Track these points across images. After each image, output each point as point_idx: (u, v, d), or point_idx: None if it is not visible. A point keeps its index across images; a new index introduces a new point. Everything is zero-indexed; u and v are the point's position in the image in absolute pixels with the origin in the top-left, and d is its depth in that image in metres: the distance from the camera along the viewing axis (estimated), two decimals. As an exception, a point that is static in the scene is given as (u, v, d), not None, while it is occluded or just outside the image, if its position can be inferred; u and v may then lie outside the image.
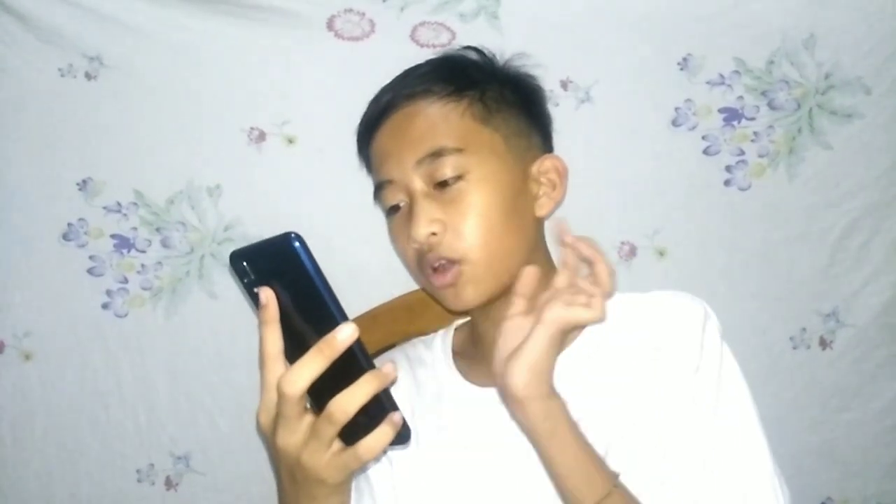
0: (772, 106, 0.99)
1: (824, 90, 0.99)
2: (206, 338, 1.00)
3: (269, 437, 0.54)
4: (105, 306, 1.01)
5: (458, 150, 0.69)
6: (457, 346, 0.79)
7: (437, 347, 0.79)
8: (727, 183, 1.00)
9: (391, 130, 0.74)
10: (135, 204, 1.01)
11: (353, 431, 0.52)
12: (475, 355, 0.76)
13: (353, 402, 0.50)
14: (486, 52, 0.79)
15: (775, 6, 0.97)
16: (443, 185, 0.69)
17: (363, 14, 0.98)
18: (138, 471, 1.02)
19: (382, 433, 0.51)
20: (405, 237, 0.71)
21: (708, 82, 0.98)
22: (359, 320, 0.95)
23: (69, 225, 1.01)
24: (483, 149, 0.71)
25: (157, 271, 1.01)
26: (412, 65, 0.97)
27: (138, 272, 1.01)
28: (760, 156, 0.99)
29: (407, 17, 0.98)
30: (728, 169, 0.99)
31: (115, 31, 0.97)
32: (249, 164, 0.99)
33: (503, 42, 0.95)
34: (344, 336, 0.49)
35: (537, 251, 0.74)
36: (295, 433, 0.52)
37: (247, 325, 1.00)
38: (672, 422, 0.64)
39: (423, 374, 0.76)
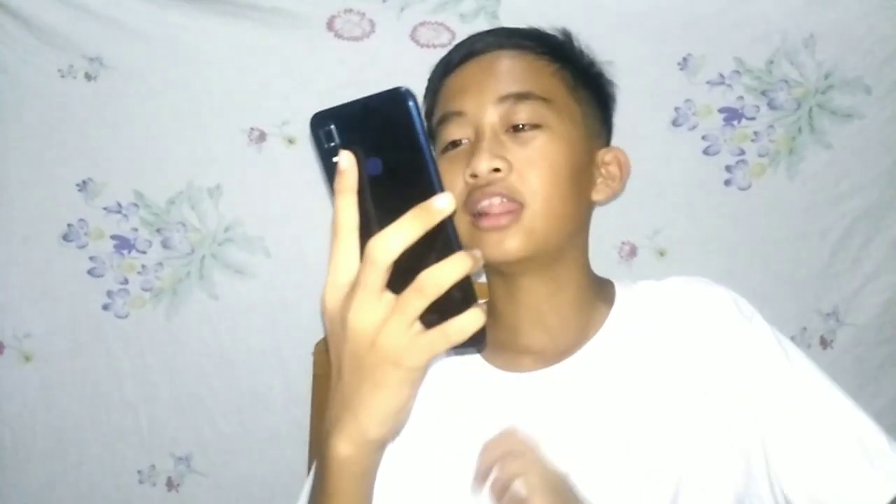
0: (772, 105, 0.99)
1: (824, 90, 0.99)
2: (207, 338, 1.00)
3: (335, 321, 0.47)
4: (105, 307, 1.01)
5: (544, 100, 0.67)
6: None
7: None
8: (727, 183, 1.00)
9: (477, 67, 0.71)
10: (135, 205, 1.01)
11: (432, 318, 0.46)
12: (495, 340, 0.72)
13: (449, 276, 0.44)
14: (577, 40, 0.78)
15: (775, 6, 0.97)
16: (518, 129, 0.67)
17: (363, 14, 0.98)
18: (139, 472, 1.02)
19: (474, 316, 0.45)
20: (458, 172, 0.66)
21: (708, 82, 0.98)
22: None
23: (69, 226, 1.01)
24: (565, 110, 0.69)
25: (157, 272, 1.01)
26: (412, 65, 0.97)
27: (139, 273, 1.01)
28: (760, 155, 0.99)
29: (407, 17, 0.98)
30: (728, 169, 0.99)
31: (115, 32, 0.97)
32: (250, 165, 0.99)
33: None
34: (443, 203, 0.44)
35: (582, 236, 0.73)
36: (374, 309, 0.45)
37: (248, 325, 1.00)
38: (766, 418, 0.62)
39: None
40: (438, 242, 0.46)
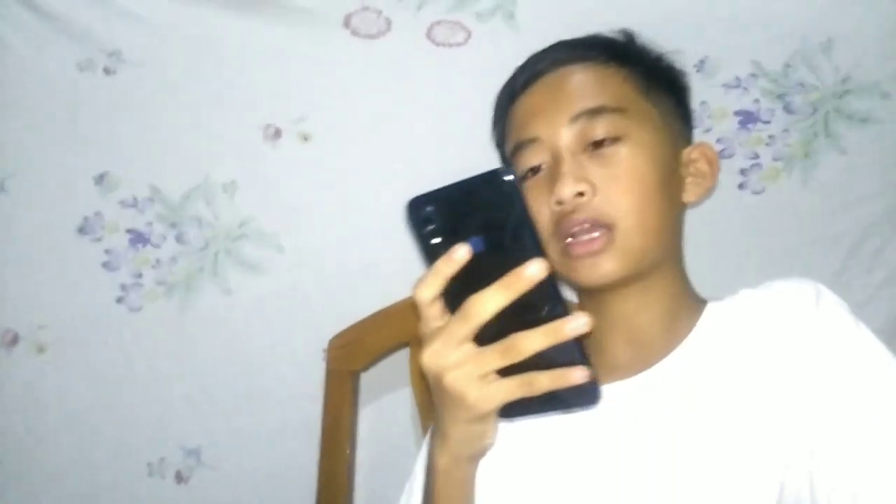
0: (788, 110, 0.99)
1: (841, 94, 0.99)
2: (220, 333, 1.01)
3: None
4: (119, 300, 1.02)
5: (618, 111, 0.65)
6: None
7: None
8: (741, 186, 0.99)
9: (543, 89, 0.69)
10: (150, 199, 1.01)
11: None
12: None
13: (534, 343, 0.49)
14: (639, 38, 0.76)
15: (793, 9, 0.97)
16: (596, 146, 0.65)
17: (380, 12, 0.98)
18: (149, 464, 1.03)
19: (548, 377, 0.50)
20: (543, 199, 0.65)
21: (724, 85, 0.98)
22: (374, 318, 0.96)
23: (85, 219, 1.01)
24: (642, 116, 0.67)
25: (171, 266, 1.02)
26: (428, 63, 0.98)
27: (153, 267, 1.02)
28: (775, 159, 0.99)
29: (423, 16, 0.98)
30: (742, 172, 0.99)
31: (134, 27, 0.98)
32: (265, 161, 1.00)
33: (519, 41, 0.96)
34: (533, 270, 0.48)
35: (677, 241, 0.71)
36: (448, 355, 0.51)
37: (260, 320, 1.01)
38: (838, 428, 0.57)
39: None
40: (544, 306, 0.49)
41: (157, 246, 1.02)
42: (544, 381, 0.50)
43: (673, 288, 0.69)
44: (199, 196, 1.01)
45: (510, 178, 0.49)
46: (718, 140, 0.99)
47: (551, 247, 0.66)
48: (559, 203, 0.64)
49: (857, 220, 1.00)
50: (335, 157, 0.99)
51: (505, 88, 0.75)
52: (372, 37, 0.99)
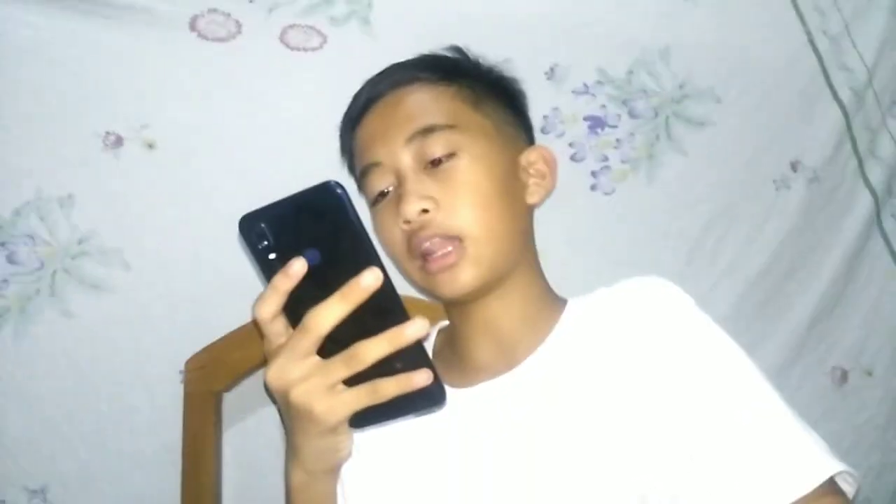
0: (632, 114, 1.04)
1: (679, 99, 1.05)
2: (62, 361, 0.92)
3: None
4: (-61, 331, 0.91)
5: (450, 127, 0.68)
6: (437, 348, 0.77)
7: None
8: (593, 188, 1.04)
9: (378, 114, 0.71)
10: (-25, 217, 0.91)
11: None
12: (452, 359, 0.73)
13: (377, 350, 0.50)
14: (469, 52, 0.79)
15: (633, 19, 1.03)
16: (434, 164, 0.67)
17: (228, 14, 0.94)
18: (-15, 507, 0.93)
19: (394, 383, 0.51)
20: (392, 221, 0.67)
21: (573, 91, 1.02)
22: (233, 335, 0.92)
23: None
24: (474, 130, 0.69)
25: (2, 290, 0.92)
26: (283, 67, 0.95)
27: (-19, 292, 0.92)
28: (623, 161, 1.04)
29: (275, 19, 0.95)
30: (594, 174, 1.03)
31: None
32: (105, 171, 0.92)
33: (375, 47, 0.95)
34: (368, 280, 0.49)
35: (529, 243, 0.73)
36: (292, 370, 0.52)
37: (107, 344, 0.93)
38: (676, 415, 0.60)
39: None
40: (385, 313, 0.51)
41: (-17, 269, 0.92)
42: (390, 387, 0.51)
43: (531, 289, 0.72)
44: (30, 212, 0.91)
45: (340, 190, 0.50)
46: (570, 144, 1.02)
47: (410, 265, 0.69)
48: (406, 222, 0.66)
49: (698, 215, 1.07)
50: (182, 167, 0.93)
51: (346, 116, 0.77)
52: (221, 40, 0.94)
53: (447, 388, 0.64)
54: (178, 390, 0.93)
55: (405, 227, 0.67)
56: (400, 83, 0.72)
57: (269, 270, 0.52)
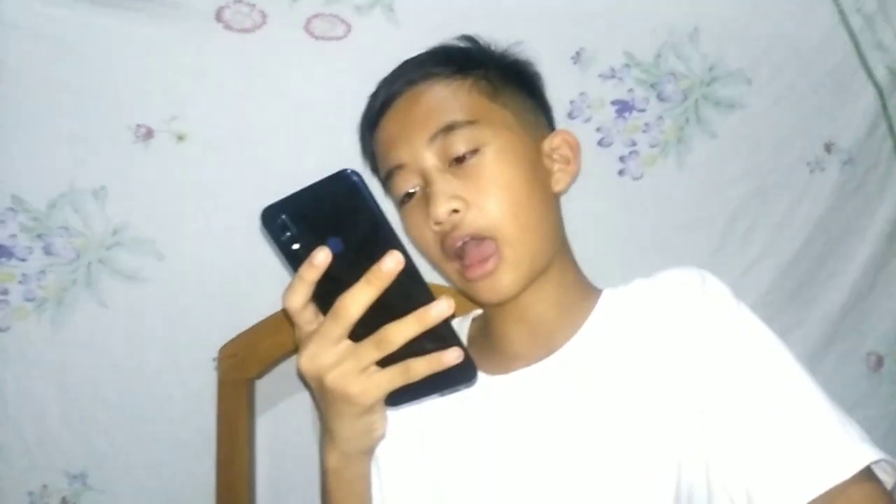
0: (660, 98, 1.02)
1: (709, 82, 1.04)
2: (98, 349, 0.95)
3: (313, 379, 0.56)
4: (-19, 320, 0.94)
5: (471, 123, 0.67)
6: (471, 336, 0.77)
7: None
8: (621, 173, 1.03)
9: (397, 115, 0.71)
10: (12, 209, 0.93)
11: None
12: (487, 347, 0.74)
13: (405, 332, 0.51)
14: (481, 39, 0.78)
15: (661, 1, 1.01)
16: (459, 161, 0.66)
17: (253, 5, 0.94)
18: (31, 493, 0.95)
19: (425, 362, 0.53)
20: (423, 222, 0.67)
21: (600, 75, 1.01)
22: (264, 324, 0.93)
23: (-60, 234, 0.93)
24: (495, 122, 0.68)
25: (40, 280, 0.95)
26: (309, 57, 0.95)
27: (20, 282, 0.94)
28: (651, 146, 1.03)
29: (300, 9, 0.95)
30: (622, 159, 1.02)
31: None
32: (136, 164, 0.94)
33: (400, 35, 0.95)
34: (390, 264, 0.50)
35: (560, 233, 0.73)
36: (324, 355, 0.53)
37: (142, 333, 0.95)
38: (719, 410, 0.59)
39: None
40: (411, 295, 0.52)
41: (22, 259, 0.94)
42: (421, 366, 0.53)
43: (566, 278, 0.72)
44: (65, 204, 0.93)
45: (356, 177, 0.50)
46: (598, 129, 1.01)
47: (448, 267, 0.69)
48: (437, 223, 0.66)
49: (729, 200, 1.05)
50: (212, 157, 0.94)
51: (364, 118, 0.77)
52: (246, 31, 0.95)
53: (483, 375, 0.65)
54: (211, 378, 0.95)
55: (436, 228, 0.66)
56: (415, 81, 0.71)
57: (294, 260, 0.53)
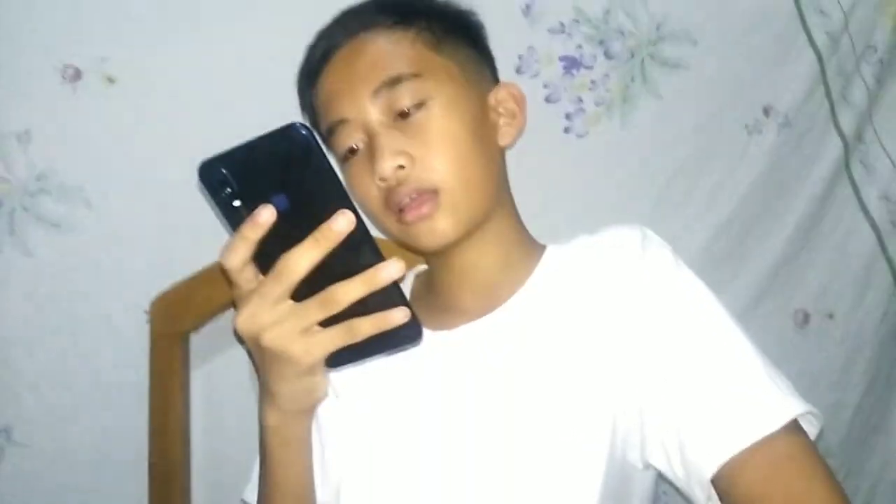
0: (608, 55, 1.02)
1: (655, 41, 1.04)
2: (23, 301, 0.90)
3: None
4: None
5: (416, 76, 0.65)
6: (415, 291, 0.76)
7: None
8: (567, 130, 1.02)
9: (338, 68, 0.68)
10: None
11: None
12: (431, 302, 0.73)
13: (351, 293, 0.50)
14: None
15: (611, -44, 1.00)
16: (403, 115, 0.65)
17: (191, -60, 0.89)
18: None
19: (370, 322, 0.51)
20: (367, 178, 0.66)
21: (549, 30, 1.00)
22: (200, 275, 0.91)
23: None
24: (440, 75, 0.67)
25: (-40, 229, 0.90)
26: (247, 1, 0.91)
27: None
28: (597, 104, 1.02)
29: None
30: (568, 116, 1.02)
31: None
32: (64, 107, 0.88)
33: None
34: (340, 225, 0.48)
35: (504, 187, 0.72)
36: (263, 314, 0.51)
37: (70, 285, 0.91)
38: (654, 364, 0.60)
39: None
40: (359, 255, 0.50)
41: (-60, 207, 0.89)
42: (366, 326, 0.52)
43: (508, 234, 0.72)
44: (-14, 147, 0.88)
45: (306, 131, 0.48)
46: (545, 85, 1.01)
47: (387, 220, 0.68)
48: (382, 180, 0.65)
49: (671, 160, 1.06)
50: (144, 101, 0.89)
51: (302, 70, 0.74)
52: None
53: (425, 331, 0.65)
54: (143, 331, 0.92)
55: (381, 184, 0.65)
56: (356, 32, 0.69)
57: (233, 217, 0.51)
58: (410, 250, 0.72)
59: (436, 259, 0.73)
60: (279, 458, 0.63)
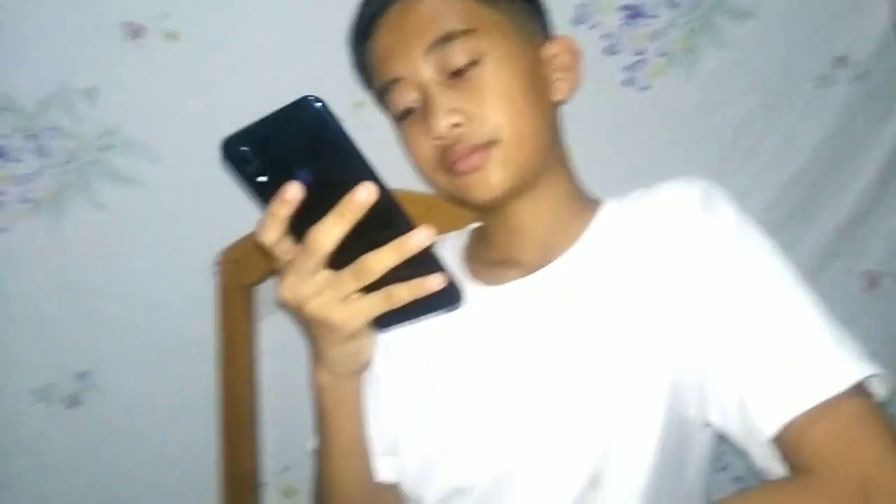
0: (672, 4, 0.98)
1: (724, -13, 0.99)
2: (97, 252, 0.95)
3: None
4: (-21, 223, 0.93)
5: (469, 32, 0.64)
6: (470, 246, 0.77)
7: (447, 248, 0.77)
8: (627, 83, 1.00)
9: (390, 26, 0.68)
10: (5, 109, 0.91)
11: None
12: (484, 257, 0.74)
13: (384, 261, 0.51)
14: None
15: None
16: (457, 74, 0.64)
17: None
18: (35, 392, 0.98)
19: (407, 289, 0.52)
20: (422, 137, 0.66)
21: (611, -23, 0.96)
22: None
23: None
24: (493, 30, 0.66)
25: (34, 182, 0.93)
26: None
27: (15, 183, 0.93)
28: (660, 55, 0.99)
29: None
30: (628, 68, 0.99)
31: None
32: (128, 64, 0.91)
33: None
34: (362, 196, 0.49)
35: (558, 142, 0.71)
36: (302, 286, 0.53)
37: (140, 236, 0.95)
38: (711, 324, 0.59)
39: None
40: (390, 224, 0.50)
41: (17, 160, 0.93)
42: (403, 293, 0.53)
43: (563, 189, 0.71)
44: (55, 104, 0.91)
45: (319, 104, 0.48)
46: (604, 36, 0.98)
47: (441, 177, 0.67)
48: (437, 138, 0.64)
49: (737, 113, 1.03)
50: (206, 56, 0.91)
51: (354, 29, 0.73)
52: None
53: (479, 286, 0.64)
54: (211, 283, 0.95)
55: (437, 142, 0.65)
56: None
57: (261, 193, 0.52)
58: (465, 207, 0.72)
59: (490, 215, 0.72)
60: (333, 416, 0.65)
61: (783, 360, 0.57)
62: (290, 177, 0.50)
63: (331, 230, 0.50)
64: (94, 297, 0.96)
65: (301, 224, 0.51)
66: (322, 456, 0.68)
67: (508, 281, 0.69)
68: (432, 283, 0.52)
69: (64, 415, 0.99)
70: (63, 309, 0.96)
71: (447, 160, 0.65)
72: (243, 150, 0.50)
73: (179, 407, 0.99)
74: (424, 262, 0.52)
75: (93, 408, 0.99)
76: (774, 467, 0.57)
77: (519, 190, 0.67)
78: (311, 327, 0.57)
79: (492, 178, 0.64)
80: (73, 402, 0.99)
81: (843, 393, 0.55)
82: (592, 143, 0.94)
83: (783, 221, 1.04)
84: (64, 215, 0.94)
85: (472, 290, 0.70)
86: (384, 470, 0.70)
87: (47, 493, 0.99)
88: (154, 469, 1.00)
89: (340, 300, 0.53)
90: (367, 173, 0.49)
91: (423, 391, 0.70)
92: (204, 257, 0.95)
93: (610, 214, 0.69)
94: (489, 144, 0.64)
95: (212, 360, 0.96)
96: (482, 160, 0.64)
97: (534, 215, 0.69)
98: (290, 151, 0.50)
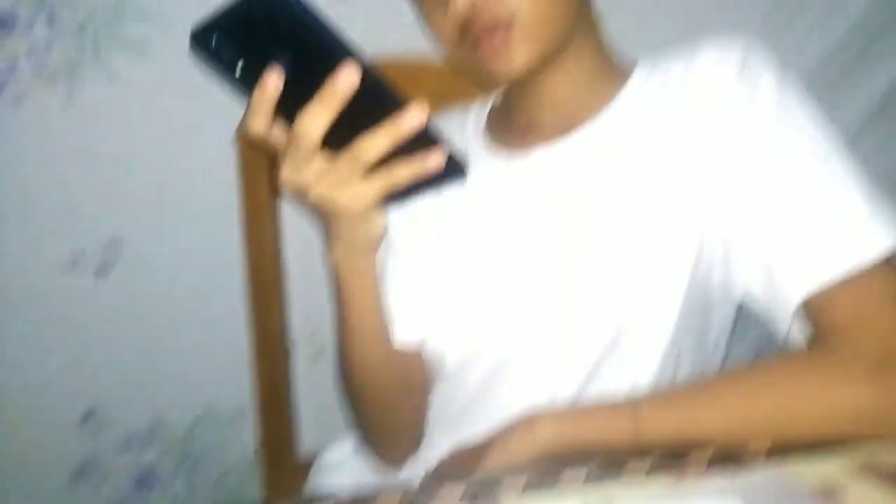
0: None
1: None
2: (114, 123, 0.94)
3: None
4: (-6, 95, 0.92)
5: None
6: (495, 111, 0.76)
7: (455, 121, 0.76)
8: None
9: None
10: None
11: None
12: (510, 123, 0.72)
13: (379, 143, 0.50)
14: None
15: None
16: None
17: None
18: (65, 261, 0.99)
19: (407, 167, 0.52)
20: (441, 12, 0.63)
21: None
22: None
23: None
24: None
25: (47, 54, 0.91)
26: None
27: (28, 55, 0.91)
28: None
29: None
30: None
31: None
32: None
33: None
34: (344, 80, 0.47)
35: (585, 7, 0.68)
36: (301, 172, 0.52)
37: (156, 109, 0.94)
38: (740, 188, 0.58)
39: (457, 140, 0.73)
40: (381, 105, 0.48)
41: (28, 29, 0.90)
42: (404, 172, 0.52)
43: (590, 58, 0.68)
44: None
45: None
46: None
47: (462, 52, 0.65)
48: (457, 13, 0.62)
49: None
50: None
51: None
52: None
53: (501, 153, 0.62)
54: (232, 155, 0.94)
55: (456, 17, 0.62)
56: None
57: (239, 83, 0.49)
58: (484, 83, 0.69)
59: (516, 86, 0.70)
60: (350, 291, 0.65)
61: (814, 228, 0.55)
62: (266, 64, 0.47)
63: (316, 118, 0.48)
64: (115, 167, 0.96)
65: (293, 107, 0.49)
66: (342, 330, 0.69)
67: (531, 148, 0.68)
68: (432, 160, 0.51)
69: (93, 283, 1.01)
70: (85, 178, 0.96)
71: (466, 36, 0.63)
72: (216, 40, 0.47)
73: (204, 274, 1.01)
74: (423, 138, 0.50)
75: (123, 275, 1.01)
76: (796, 335, 0.57)
77: (543, 64, 0.64)
78: (319, 210, 0.57)
79: (515, 57, 0.62)
80: (101, 271, 1.00)
81: (874, 263, 0.53)
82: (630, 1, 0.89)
83: (828, 84, 0.99)
84: (79, 87, 0.92)
85: (494, 160, 0.70)
86: (403, 336, 0.71)
87: (82, 358, 1.03)
88: (188, 334, 1.04)
89: (342, 183, 0.53)
90: (346, 55, 0.47)
91: (438, 259, 0.71)
92: (226, 130, 0.93)
93: (640, 80, 0.66)
94: (509, 23, 0.61)
95: (236, 232, 0.96)
96: (503, 40, 0.61)
97: (560, 84, 0.67)
98: (264, 38, 0.46)
